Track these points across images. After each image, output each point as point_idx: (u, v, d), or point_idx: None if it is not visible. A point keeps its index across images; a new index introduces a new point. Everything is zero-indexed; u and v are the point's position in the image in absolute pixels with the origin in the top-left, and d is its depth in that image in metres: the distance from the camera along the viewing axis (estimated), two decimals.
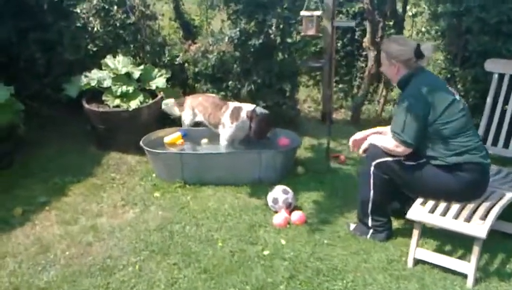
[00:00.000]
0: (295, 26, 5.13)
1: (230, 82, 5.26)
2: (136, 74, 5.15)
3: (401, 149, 3.18)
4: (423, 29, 6.16)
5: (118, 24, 5.26)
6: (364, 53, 6.58)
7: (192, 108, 4.76)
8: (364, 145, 3.46)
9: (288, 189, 3.91)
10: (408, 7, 6.01)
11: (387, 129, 3.54)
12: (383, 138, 3.39)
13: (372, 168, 3.31)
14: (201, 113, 4.68)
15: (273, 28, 4.89)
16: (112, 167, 4.75)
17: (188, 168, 4.24)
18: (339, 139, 5.46)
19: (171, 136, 4.68)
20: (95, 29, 5.25)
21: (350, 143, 3.61)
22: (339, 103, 6.62)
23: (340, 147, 5.25)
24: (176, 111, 4.92)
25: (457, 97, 3.23)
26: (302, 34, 4.23)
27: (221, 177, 4.28)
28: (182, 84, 5.62)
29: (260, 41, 4.94)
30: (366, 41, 5.82)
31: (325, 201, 4.10)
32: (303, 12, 4.15)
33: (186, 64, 5.39)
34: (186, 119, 4.82)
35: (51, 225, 3.73)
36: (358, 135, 3.58)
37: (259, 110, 4.42)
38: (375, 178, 3.31)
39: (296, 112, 5.58)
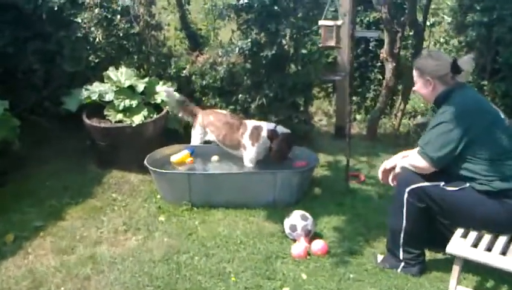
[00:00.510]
0: (310, 36, 4.81)
1: (240, 95, 4.93)
2: (140, 86, 4.82)
3: (423, 164, 2.85)
4: (441, 40, 5.84)
5: (121, 34, 4.95)
6: (378, 64, 6.29)
7: (204, 126, 4.42)
8: (394, 173, 3.13)
9: (307, 215, 3.55)
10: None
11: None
12: (410, 156, 3.05)
13: (405, 196, 2.96)
14: (214, 133, 4.35)
15: (287, 38, 4.57)
16: (113, 186, 4.41)
17: (196, 190, 3.90)
18: (355, 155, 5.11)
19: (179, 154, 4.33)
20: (97, 39, 4.93)
21: (379, 175, 3.26)
22: (352, 115, 6.28)
23: (358, 165, 4.91)
24: (174, 104, 4.58)
25: (502, 115, 2.89)
26: (321, 45, 3.89)
27: (232, 199, 3.93)
28: (189, 97, 5.28)
29: (273, 52, 4.61)
30: (383, 52, 5.50)
31: (347, 227, 3.74)
32: (322, 22, 3.82)
33: (193, 77, 5.06)
34: (196, 138, 4.49)
35: (46, 254, 3.37)
36: (388, 164, 3.24)
37: (280, 129, 4.10)
38: (409, 206, 2.96)
39: (309, 126, 5.24)
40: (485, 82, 4.53)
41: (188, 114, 4.57)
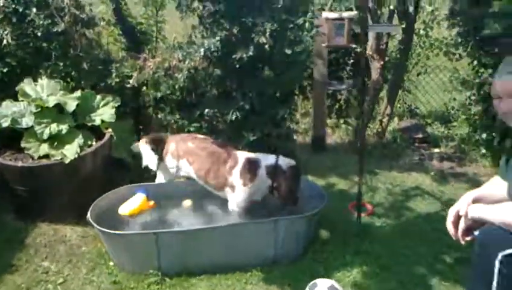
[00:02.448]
0: (294, 32, 3.77)
1: (206, 110, 3.81)
2: (71, 104, 3.56)
3: None
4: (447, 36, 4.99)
5: (39, 34, 3.62)
6: (351, 61, 5.44)
7: (178, 158, 3.26)
8: (463, 225, 2.20)
9: (336, 285, 2.55)
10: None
11: (491, 190, 2.32)
12: (499, 208, 2.14)
13: (497, 264, 2.05)
14: (193, 167, 3.20)
15: (267, 35, 3.51)
16: (42, 250, 3.15)
17: (167, 253, 2.77)
18: (345, 174, 4.22)
19: (131, 202, 3.13)
20: (4, 41, 3.57)
21: (449, 228, 2.28)
22: (331, 123, 5.38)
23: (353, 188, 3.99)
24: (147, 152, 3.38)
25: None
26: (325, 44, 2.90)
27: (218, 261, 2.86)
28: (137, 114, 4.08)
29: (249, 54, 3.54)
30: (368, 48, 4.62)
31: (376, 286, 2.81)
32: (327, 14, 2.84)
33: (143, 88, 3.86)
34: (166, 173, 3.32)
35: None
36: (459, 210, 2.28)
37: (284, 162, 3.06)
38: (502, 279, 2.06)
39: (292, 143, 4.24)
40: None
41: (158, 144, 3.39)
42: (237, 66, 3.63)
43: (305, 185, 3.30)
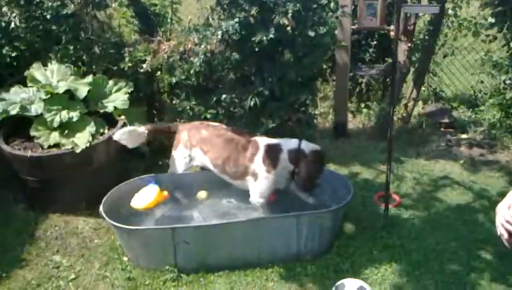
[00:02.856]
0: (317, 12, 3.53)
1: (223, 96, 3.62)
2: (82, 90, 3.40)
3: None
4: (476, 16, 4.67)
5: (48, 16, 3.45)
6: (374, 42, 5.18)
7: (191, 147, 3.08)
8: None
9: (365, 286, 2.37)
10: None
11: None
12: None
13: None
14: (209, 156, 3.02)
15: (289, 16, 3.29)
16: (53, 243, 3.03)
17: (184, 249, 2.61)
18: (369, 163, 4.00)
19: (144, 194, 2.94)
20: (12, 24, 3.41)
21: (501, 231, 2.01)
22: (352, 107, 5.14)
23: (379, 177, 3.78)
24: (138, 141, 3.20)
25: None
26: (356, 26, 2.68)
27: (238, 257, 2.71)
28: (151, 101, 3.90)
29: (270, 36, 3.32)
30: (393, 29, 4.34)
31: (410, 285, 2.62)
32: None
33: (157, 73, 3.67)
34: (179, 164, 3.13)
35: None
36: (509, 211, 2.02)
37: (307, 146, 2.88)
38: None
39: (313, 130, 4.03)
40: None
41: (161, 135, 3.23)
42: (256, 49, 3.43)
43: (330, 176, 3.10)
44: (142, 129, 3.12)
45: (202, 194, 3.05)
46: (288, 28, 3.33)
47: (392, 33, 4.24)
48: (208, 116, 3.62)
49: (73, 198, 3.21)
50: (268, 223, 2.68)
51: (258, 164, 2.84)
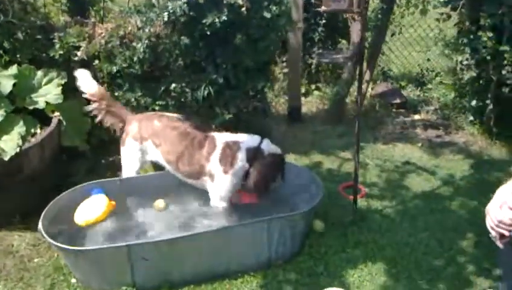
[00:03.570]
0: None
1: (173, 85, 3.27)
2: (6, 84, 2.92)
3: None
4: None
5: None
6: (323, 21, 4.98)
7: (141, 140, 2.72)
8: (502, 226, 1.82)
9: None
10: None
11: None
12: None
13: None
14: (161, 150, 2.68)
15: None
16: None
17: (142, 267, 2.28)
18: (327, 149, 3.84)
19: (90, 206, 2.55)
20: None
21: (491, 231, 1.87)
22: (302, 89, 4.93)
23: (333, 163, 3.61)
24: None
25: None
26: (323, 8, 2.43)
27: (204, 270, 2.43)
28: None
29: (223, 18, 3.00)
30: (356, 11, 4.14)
31: (390, 286, 2.48)
32: None
33: (95, 61, 3.23)
34: (130, 161, 2.76)
35: None
36: (499, 212, 1.88)
37: (267, 147, 2.60)
38: None
39: (270, 118, 3.79)
40: (506, 47, 3.42)
41: (113, 119, 2.83)
42: (208, 32, 3.10)
43: (296, 172, 2.87)
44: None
45: (160, 203, 2.71)
46: (243, 9, 3.02)
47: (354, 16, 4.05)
48: (157, 108, 3.26)
49: (4, 211, 2.76)
50: (237, 231, 2.41)
51: (215, 164, 2.54)
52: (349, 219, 2.94)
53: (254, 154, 2.55)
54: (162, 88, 3.28)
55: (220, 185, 2.57)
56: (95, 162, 3.33)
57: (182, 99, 3.31)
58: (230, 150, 2.55)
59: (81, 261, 2.29)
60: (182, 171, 2.66)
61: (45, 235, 2.25)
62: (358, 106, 2.86)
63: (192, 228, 2.54)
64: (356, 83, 2.88)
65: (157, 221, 2.57)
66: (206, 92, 3.25)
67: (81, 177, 3.11)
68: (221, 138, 2.60)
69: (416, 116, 4.68)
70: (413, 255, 2.71)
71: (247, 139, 2.62)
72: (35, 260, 2.62)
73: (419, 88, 5.36)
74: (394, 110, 4.79)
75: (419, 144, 3.99)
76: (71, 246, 2.20)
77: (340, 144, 3.94)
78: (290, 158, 3.65)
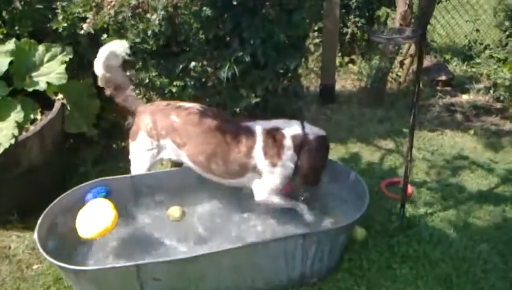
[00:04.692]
0: None
1: (192, 63, 2.83)
2: (2, 62, 2.54)
3: None
4: None
5: None
6: None
7: (158, 137, 2.32)
8: None
9: None
10: None
11: None
12: None
13: None
14: (187, 152, 2.28)
15: None
16: None
17: (154, 287, 1.93)
18: (367, 137, 3.39)
19: (94, 214, 2.09)
20: None
21: None
22: (342, 68, 4.45)
23: (375, 155, 3.18)
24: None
25: None
26: None
27: (225, 287, 2.06)
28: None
29: None
30: None
31: None
32: None
33: (102, 36, 2.80)
34: (142, 160, 2.36)
35: None
36: None
37: (312, 130, 2.26)
38: None
39: (301, 101, 3.33)
40: None
41: (124, 105, 2.44)
42: (233, 2, 2.62)
43: (334, 171, 2.45)
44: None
45: (175, 211, 2.32)
46: None
47: None
48: (174, 90, 2.83)
49: (0, 209, 2.43)
50: (267, 248, 2.02)
51: (259, 158, 2.18)
52: (395, 226, 2.53)
53: (301, 141, 2.18)
54: (180, 67, 2.83)
55: (269, 180, 2.21)
56: (103, 149, 2.96)
57: (203, 80, 2.88)
58: (274, 139, 2.19)
59: (83, 281, 1.94)
60: (216, 173, 2.27)
61: (41, 249, 1.90)
62: (416, 91, 2.38)
63: (214, 239, 2.16)
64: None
65: (172, 231, 2.20)
66: (230, 73, 2.81)
67: (88, 168, 2.77)
68: (258, 126, 2.22)
69: (465, 96, 4.17)
70: (470, 272, 2.30)
71: (287, 124, 2.25)
72: (34, 267, 2.31)
73: (465, 63, 4.81)
74: (439, 88, 4.28)
75: (472, 132, 3.50)
76: (73, 266, 1.85)
77: (381, 130, 3.48)
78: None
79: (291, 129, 2.23)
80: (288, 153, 2.19)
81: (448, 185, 2.90)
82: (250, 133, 2.21)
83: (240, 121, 2.33)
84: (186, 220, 2.29)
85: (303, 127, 2.24)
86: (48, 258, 1.87)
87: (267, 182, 2.22)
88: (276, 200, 2.27)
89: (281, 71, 3.04)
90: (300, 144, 2.19)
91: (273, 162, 2.18)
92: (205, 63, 2.84)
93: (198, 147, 2.24)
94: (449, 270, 2.31)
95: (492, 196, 2.82)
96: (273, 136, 2.20)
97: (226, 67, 2.79)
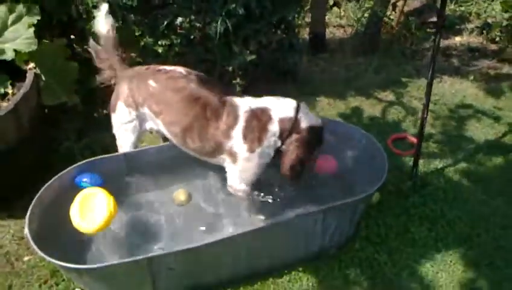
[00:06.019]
0: None
1: (179, 19, 2.53)
2: None
3: None
4: None
5: None
6: None
7: (135, 106, 2.03)
8: None
9: None
10: None
11: None
12: None
13: None
14: (163, 120, 1.99)
15: None
16: None
17: (168, 276, 1.77)
18: (366, 89, 3.21)
19: (90, 205, 1.81)
20: None
21: None
22: (332, 14, 4.15)
23: (376, 109, 3.02)
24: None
25: None
26: None
27: (243, 270, 1.92)
28: (69, 32, 2.69)
29: None
30: None
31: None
32: None
33: None
34: (123, 133, 2.09)
35: None
36: None
37: (306, 117, 1.91)
38: None
39: (298, 56, 3.09)
40: None
41: (105, 69, 2.13)
42: None
43: (347, 132, 2.27)
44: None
45: (181, 195, 2.10)
46: None
47: None
48: (160, 50, 2.56)
49: None
50: (284, 227, 1.86)
51: (237, 140, 1.89)
52: (408, 185, 2.41)
53: (290, 126, 1.89)
54: (165, 23, 2.54)
55: (243, 167, 1.93)
56: (87, 118, 2.68)
57: (191, 37, 2.60)
58: (258, 121, 1.88)
59: (87, 278, 1.75)
60: (191, 148, 2.00)
61: (34, 244, 1.68)
62: (435, 46, 2.17)
63: (224, 221, 1.98)
64: None
65: (178, 212, 2.00)
66: (221, 28, 2.53)
67: (72, 143, 2.49)
68: (244, 104, 1.91)
69: (457, 38, 4.00)
70: (490, 232, 2.23)
71: (278, 105, 1.92)
72: (25, 259, 2.09)
73: (453, 1, 4.60)
74: (430, 30, 4.09)
75: (471, 77, 3.36)
76: (72, 265, 1.63)
77: (379, 81, 3.30)
78: (323, 104, 3.03)
79: (281, 111, 1.90)
80: (271, 139, 1.89)
81: (455, 137, 2.79)
82: (234, 109, 1.89)
83: (226, 92, 1.98)
84: (193, 203, 2.08)
85: (297, 110, 1.91)
86: (48, 258, 1.65)
87: (241, 168, 1.94)
88: (245, 188, 1.98)
89: (275, 23, 2.80)
90: (289, 130, 1.89)
91: (251, 148, 1.89)
92: (193, 17, 2.56)
93: (174, 116, 1.95)
94: (468, 229, 2.23)
95: (501, 146, 2.74)
96: (258, 117, 1.89)
97: (219, 22, 2.51)
